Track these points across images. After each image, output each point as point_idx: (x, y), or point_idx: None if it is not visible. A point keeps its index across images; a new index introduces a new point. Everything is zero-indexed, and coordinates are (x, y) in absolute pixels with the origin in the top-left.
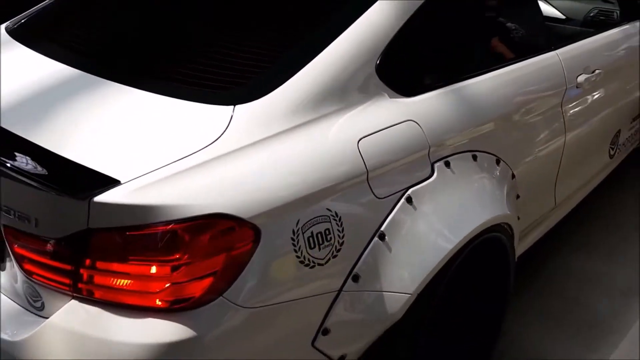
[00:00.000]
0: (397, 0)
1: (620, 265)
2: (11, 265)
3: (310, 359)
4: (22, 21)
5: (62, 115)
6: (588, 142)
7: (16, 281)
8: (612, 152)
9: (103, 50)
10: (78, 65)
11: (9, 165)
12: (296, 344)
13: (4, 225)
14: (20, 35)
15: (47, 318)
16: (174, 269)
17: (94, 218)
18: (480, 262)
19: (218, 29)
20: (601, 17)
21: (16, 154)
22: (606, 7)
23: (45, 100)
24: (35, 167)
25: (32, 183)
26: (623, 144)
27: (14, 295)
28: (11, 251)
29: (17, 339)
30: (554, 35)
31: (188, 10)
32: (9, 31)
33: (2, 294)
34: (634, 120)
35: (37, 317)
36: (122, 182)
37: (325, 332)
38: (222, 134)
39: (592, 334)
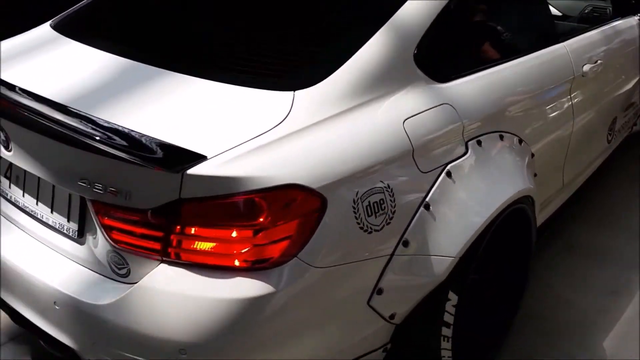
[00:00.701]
0: None
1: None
2: (92, 238)
3: (365, 317)
4: (70, 17)
5: (146, 103)
6: (591, 127)
7: (98, 252)
8: (609, 138)
9: (171, 45)
10: (153, 60)
11: (106, 145)
12: (355, 302)
13: (92, 200)
14: (71, 31)
15: (131, 284)
16: (256, 233)
17: (185, 189)
18: (509, 231)
19: (276, 23)
20: (595, 14)
21: (112, 135)
22: (600, 4)
23: (124, 91)
24: (132, 147)
25: (134, 160)
26: (618, 131)
27: (94, 266)
28: (99, 223)
29: (103, 302)
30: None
31: (247, 6)
32: (56, 27)
33: (81, 265)
34: (627, 108)
35: (120, 283)
36: (208, 157)
37: (380, 291)
38: (286, 116)
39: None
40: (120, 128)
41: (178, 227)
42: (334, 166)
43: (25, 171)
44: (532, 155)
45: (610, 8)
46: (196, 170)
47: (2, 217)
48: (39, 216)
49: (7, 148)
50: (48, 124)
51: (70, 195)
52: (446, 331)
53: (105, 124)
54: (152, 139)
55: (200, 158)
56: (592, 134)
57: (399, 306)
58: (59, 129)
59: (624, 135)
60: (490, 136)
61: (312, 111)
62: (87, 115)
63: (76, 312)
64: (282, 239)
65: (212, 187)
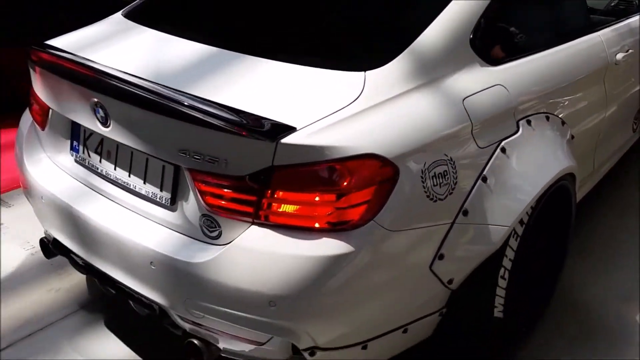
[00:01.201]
0: None
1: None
2: (184, 204)
3: (427, 281)
4: (142, 6)
5: (233, 83)
6: (620, 115)
7: (190, 217)
8: (634, 127)
9: (249, 32)
10: (233, 46)
11: (209, 117)
12: (419, 266)
13: (189, 169)
14: (145, 19)
15: (223, 245)
16: (338, 197)
17: (277, 157)
18: (553, 206)
19: (346, 11)
20: (621, 7)
21: (213, 109)
22: None
23: (211, 73)
24: (232, 120)
25: (235, 130)
26: None
27: (186, 230)
28: (196, 190)
29: (198, 260)
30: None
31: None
32: (128, 16)
33: (173, 230)
34: None
35: (211, 245)
36: (297, 128)
37: (441, 257)
38: (360, 94)
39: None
40: (218, 103)
41: (269, 191)
42: (405, 139)
43: (117, 146)
44: (572, 137)
45: (637, 1)
46: (288, 139)
47: (92, 189)
48: (131, 187)
49: (105, 124)
50: (154, 98)
51: (163, 167)
52: (499, 298)
53: (204, 100)
54: (247, 113)
55: (291, 129)
56: (621, 121)
57: (457, 272)
58: (165, 102)
59: None
60: (538, 117)
61: (381, 89)
62: (186, 92)
63: (172, 270)
64: (361, 203)
65: (301, 155)
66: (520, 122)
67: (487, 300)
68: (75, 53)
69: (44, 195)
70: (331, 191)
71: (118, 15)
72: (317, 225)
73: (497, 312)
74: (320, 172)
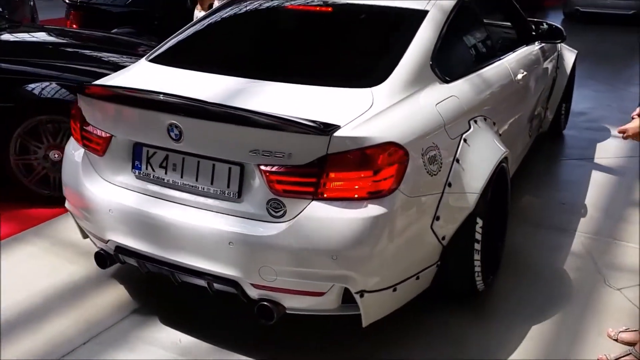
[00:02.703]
0: (430, 21)
1: None
2: (249, 195)
3: (428, 239)
4: (164, 50)
5: (274, 102)
6: (521, 122)
7: (256, 204)
8: (530, 134)
9: (276, 65)
10: (262, 76)
11: (279, 122)
12: (425, 225)
13: (257, 164)
14: (170, 61)
15: (288, 220)
16: (374, 173)
17: (331, 147)
18: (498, 180)
19: (346, 44)
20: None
21: (278, 117)
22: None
23: (254, 96)
24: (296, 123)
25: (301, 129)
26: (535, 129)
27: (253, 215)
28: (263, 180)
29: (271, 233)
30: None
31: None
32: (154, 60)
33: (242, 217)
34: (537, 111)
35: (277, 223)
36: (341, 126)
37: (437, 218)
38: (372, 103)
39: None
40: (279, 114)
41: (324, 174)
42: (409, 131)
43: (183, 159)
44: (500, 134)
45: (516, 37)
46: (338, 133)
47: (158, 198)
48: (199, 189)
49: (177, 140)
50: (233, 112)
51: (229, 169)
52: (477, 246)
53: (267, 112)
54: (304, 118)
55: (337, 127)
56: (522, 127)
57: (448, 229)
58: (242, 114)
59: (537, 133)
60: (479, 118)
61: (384, 100)
62: (246, 107)
63: (249, 245)
64: (388, 177)
65: (346, 144)
66: (470, 122)
67: (469, 250)
68: (137, 88)
69: (112, 208)
70: (369, 169)
71: (144, 61)
72: (360, 195)
73: (476, 258)
74: (361, 155)
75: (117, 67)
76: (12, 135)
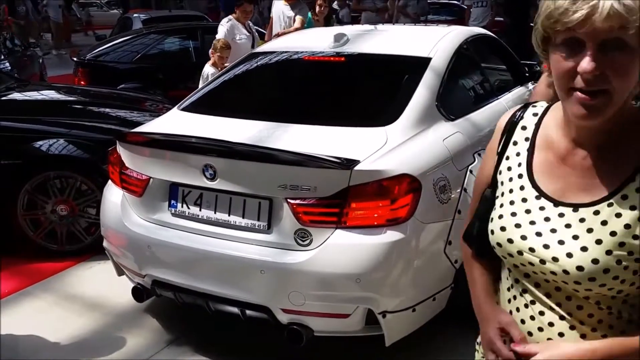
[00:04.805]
0: (433, 66)
1: None
2: (277, 226)
3: (442, 262)
4: (193, 100)
5: (297, 143)
6: None
7: (284, 234)
8: None
9: (296, 109)
10: (285, 119)
11: (306, 160)
12: (438, 249)
13: (285, 198)
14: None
15: (314, 248)
16: (392, 202)
17: (352, 179)
18: None
19: (359, 89)
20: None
21: (304, 155)
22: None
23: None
24: (321, 160)
25: (326, 165)
26: None
27: (281, 245)
28: (291, 212)
29: (300, 260)
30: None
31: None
32: (185, 109)
33: (271, 247)
34: None
35: (304, 250)
36: (360, 161)
37: (450, 243)
38: (387, 140)
39: None
40: (304, 152)
41: (346, 204)
42: (421, 164)
43: (216, 196)
44: None
45: (512, 79)
46: (358, 167)
47: (193, 233)
48: (231, 223)
49: (212, 179)
50: (263, 151)
51: (259, 203)
52: None
53: (293, 150)
54: (327, 155)
55: (357, 162)
56: None
57: (459, 254)
58: (272, 153)
59: None
60: (482, 151)
61: (397, 137)
62: (272, 146)
63: (279, 272)
64: (404, 205)
65: (366, 177)
66: (475, 154)
67: None
68: (173, 133)
69: (151, 244)
70: (387, 198)
71: (175, 110)
72: (379, 222)
73: None
74: (378, 187)
75: (124, 122)
76: (20, 190)
